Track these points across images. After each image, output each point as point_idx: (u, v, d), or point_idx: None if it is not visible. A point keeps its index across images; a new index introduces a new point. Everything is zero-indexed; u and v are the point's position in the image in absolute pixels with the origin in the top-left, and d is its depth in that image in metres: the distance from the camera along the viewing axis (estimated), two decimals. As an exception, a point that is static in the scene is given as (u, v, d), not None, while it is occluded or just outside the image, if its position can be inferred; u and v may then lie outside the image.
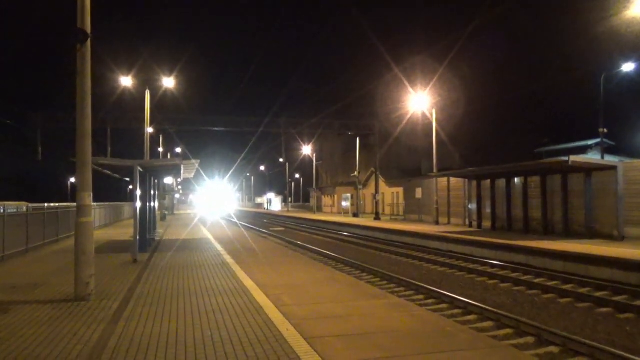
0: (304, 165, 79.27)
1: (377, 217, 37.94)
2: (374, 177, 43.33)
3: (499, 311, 9.21)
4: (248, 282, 9.21)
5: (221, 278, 9.78)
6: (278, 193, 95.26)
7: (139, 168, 12.91)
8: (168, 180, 32.65)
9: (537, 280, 12.71)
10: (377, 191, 40.28)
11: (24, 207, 16.86)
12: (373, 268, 15.02)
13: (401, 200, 41.11)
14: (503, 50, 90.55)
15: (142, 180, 13.89)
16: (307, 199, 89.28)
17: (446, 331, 5.90)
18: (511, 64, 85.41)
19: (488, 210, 23.90)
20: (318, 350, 5.08)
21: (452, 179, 27.49)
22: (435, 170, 29.71)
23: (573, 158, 16.99)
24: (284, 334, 5.70)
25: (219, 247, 16.06)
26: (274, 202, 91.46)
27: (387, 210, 46.96)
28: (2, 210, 12.97)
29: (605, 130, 25.55)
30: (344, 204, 57.14)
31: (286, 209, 79.38)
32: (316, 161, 65.33)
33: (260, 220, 53.00)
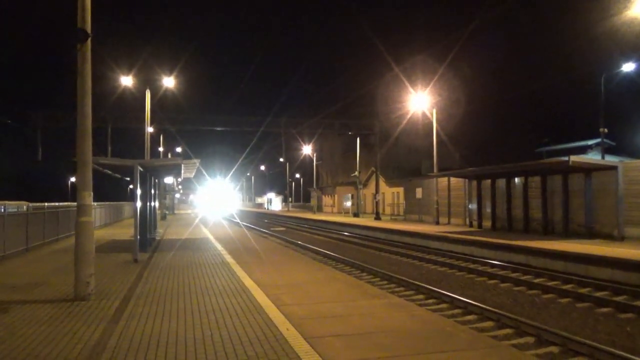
0: (304, 165, 79.33)
1: (377, 217, 37.95)
2: (374, 176, 43.32)
3: (499, 311, 9.20)
4: (248, 282, 9.21)
5: (221, 277, 9.79)
6: (278, 193, 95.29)
7: (140, 167, 12.90)
8: (168, 179, 32.64)
9: (537, 280, 12.71)
10: (377, 191, 40.28)
11: (24, 207, 16.82)
12: (373, 268, 15.02)
13: (401, 200, 41.10)
14: (503, 50, 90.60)
15: (142, 179, 13.89)
16: (307, 198, 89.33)
17: (446, 331, 5.90)
18: (511, 64, 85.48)
19: (488, 210, 23.89)
20: (318, 350, 5.08)
21: (452, 178, 27.48)
22: (435, 170, 29.71)
23: (573, 158, 16.99)
24: (284, 334, 5.70)
25: (219, 247, 16.06)
26: (274, 202, 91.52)
27: (388, 210, 46.96)
28: (2, 210, 12.96)
29: (606, 130, 25.55)
30: (344, 203, 57.15)
31: (286, 209, 79.40)
32: (316, 161, 65.35)
33: (261, 220, 53.00)
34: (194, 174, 28.31)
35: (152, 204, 18.24)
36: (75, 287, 7.78)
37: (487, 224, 23.96)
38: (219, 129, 41.76)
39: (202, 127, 41.50)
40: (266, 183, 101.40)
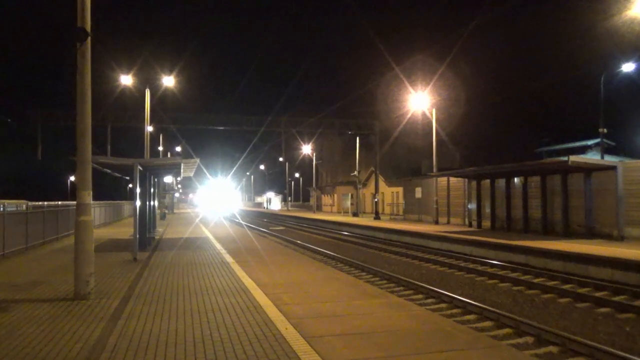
0: (304, 165, 79.32)
1: (376, 217, 37.96)
2: (373, 176, 43.34)
3: (498, 311, 9.21)
4: (248, 281, 9.21)
5: (221, 277, 9.78)
6: (278, 192, 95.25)
7: (139, 167, 12.90)
8: (168, 179, 32.64)
9: (536, 280, 12.71)
10: (376, 190, 40.29)
11: (24, 206, 16.81)
12: (373, 267, 15.02)
13: (401, 199, 41.09)
14: (503, 49, 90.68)
15: (142, 178, 13.88)
16: (306, 198, 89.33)
17: (446, 331, 5.90)
18: (511, 64, 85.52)
19: (488, 210, 23.90)
20: (317, 350, 5.08)
21: (451, 178, 27.49)
22: (435, 169, 29.71)
23: (573, 158, 16.99)
24: (284, 333, 5.70)
25: (218, 246, 16.06)
26: (273, 201, 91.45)
27: (387, 209, 46.96)
28: (1, 209, 12.94)
29: (605, 130, 25.54)
30: (343, 203, 57.15)
31: (286, 208, 79.39)
32: (316, 160, 65.30)
33: (260, 219, 53.01)
34: (193, 173, 28.29)
35: (152, 203, 18.24)
36: (75, 286, 7.78)
37: (486, 223, 23.97)
38: (219, 128, 41.82)
39: (202, 126, 41.57)
40: (265, 182, 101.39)
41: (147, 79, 26.29)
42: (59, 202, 19.74)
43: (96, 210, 24.12)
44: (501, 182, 22.87)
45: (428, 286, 11.76)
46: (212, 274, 10.21)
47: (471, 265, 15.56)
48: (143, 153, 25.96)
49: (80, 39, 7.83)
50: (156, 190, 21.48)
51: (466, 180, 26.03)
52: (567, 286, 11.89)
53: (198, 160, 20.63)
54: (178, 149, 54.87)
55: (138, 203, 12.97)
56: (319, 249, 20.52)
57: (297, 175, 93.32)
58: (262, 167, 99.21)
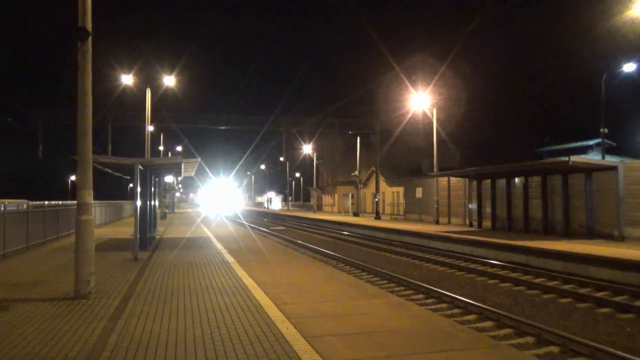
0: (305, 164, 79.30)
1: (377, 217, 37.95)
2: (374, 176, 43.33)
3: (498, 311, 9.20)
4: (248, 281, 9.21)
5: (221, 276, 9.79)
6: (278, 192, 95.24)
7: (140, 166, 12.90)
8: (169, 178, 32.66)
9: (537, 280, 12.71)
10: (377, 190, 40.27)
11: (25, 205, 16.88)
12: (373, 267, 15.02)
13: (401, 199, 41.08)
14: (503, 49, 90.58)
15: (142, 178, 13.88)
16: (307, 198, 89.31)
17: (446, 331, 5.90)
18: (512, 64, 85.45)
19: (488, 209, 23.89)
20: (318, 349, 5.08)
21: (452, 178, 27.48)
22: (435, 169, 29.70)
23: (573, 158, 16.98)
24: (284, 333, 5.70)
25: (218, 246, 16.07)
26: (274, 201, 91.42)
27: (388, 209, 46.96)
28: (2, 208, 12.99)
29: (606, 131, 25.54)
30: (344, 203, 57.16)
31: (286, 208, 79.39)
32: (316, 160, 65.31)
33: (261, 219, 53.02)
34: (194, 172, 28.31)
35: (152, 202, 18.24)
36: (75, 286, 7.79)
37: (487, 223, 23.96)
38: (220, 127, 41.82)
39: (203, 125, 41.56)
40: (266, 182, 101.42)
41: (148, 79, 26.35)
42: (60, 202, 19.77)
43: (97, 210, 24.13)
44: (502, 182, 22.86)
45: (428, 286, 11.76)
46: (213, 273, 10.21)
47: (472, 265, 15.56)
48: (144, 152, 25.96)
49: (81, 38, 7.84)
50: (157, 190, 21.48)
51: (467, 180, 26.02)
52: (567, 286, 11.89)
53: (199, 159, 20.63)
54: (179, 148, 54.95)
55: (139, 202, 12.97)
56: (320, 248, 20.52)
57: (297, 175, 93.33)
58: (262, 166, 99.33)
